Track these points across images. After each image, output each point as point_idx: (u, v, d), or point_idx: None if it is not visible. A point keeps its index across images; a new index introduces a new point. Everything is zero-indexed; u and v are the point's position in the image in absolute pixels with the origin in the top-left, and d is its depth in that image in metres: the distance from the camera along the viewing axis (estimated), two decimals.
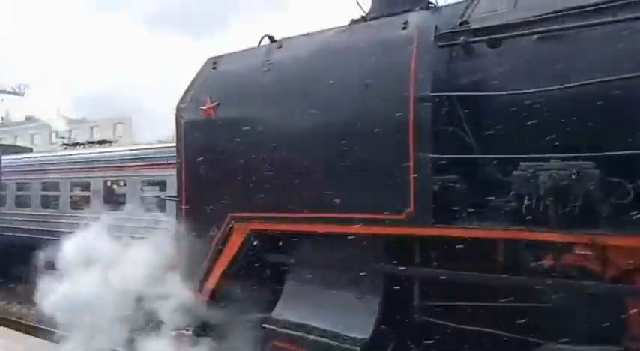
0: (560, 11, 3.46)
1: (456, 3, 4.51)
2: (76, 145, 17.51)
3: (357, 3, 4.99)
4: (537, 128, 3.46)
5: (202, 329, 5.09)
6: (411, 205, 3.55)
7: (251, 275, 4.67)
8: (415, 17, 3.74)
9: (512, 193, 3.32)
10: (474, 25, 3.89)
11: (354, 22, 4.91)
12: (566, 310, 3.37)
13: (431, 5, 4.50)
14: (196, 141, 4.93)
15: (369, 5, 4.89)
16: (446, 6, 4.52)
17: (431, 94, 3.49)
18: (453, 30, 3.91)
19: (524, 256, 3.46)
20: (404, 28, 3.71)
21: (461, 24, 3.98)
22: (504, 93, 3.48)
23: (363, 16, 4.98)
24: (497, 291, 3.50)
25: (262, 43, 5.05)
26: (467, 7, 4.16)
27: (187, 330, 5.46)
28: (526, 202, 3.21)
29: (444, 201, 3.59)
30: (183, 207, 5.05)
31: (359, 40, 4.01)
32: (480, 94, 3.60)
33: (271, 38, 5.06)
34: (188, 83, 5.14)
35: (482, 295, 3.48)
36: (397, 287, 3.81)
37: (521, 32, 3.52)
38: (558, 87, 3.22)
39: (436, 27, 3.90)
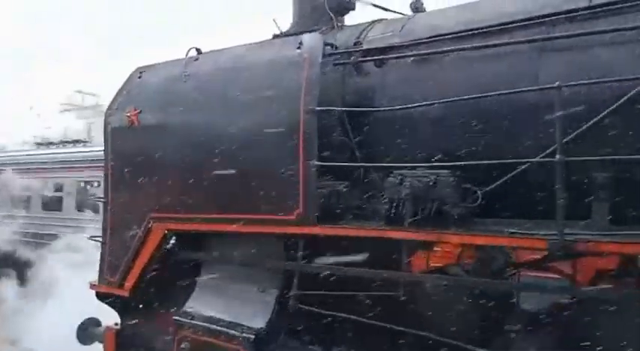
0: (429, 37, 3.93)
1: (359, 24, 4.98)
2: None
3: (274, 21, 5.43)
4: (410, 140, 3.93)
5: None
6: (300, 206, 3.96)
7: (169, 272, 5.03)
8: (309, 38, 4.17)
9: (384, 197, 3.77)
10: (365, 46, 4.35)
11: (275, 36, 5.35)
12: (436, 303, 3.81)
13: (338, 26, 4.97)
14: (121, 146, 5.26)
15: None
16: (351, 26, 4.98)
17: (317, 108, 3.91)
18: (345, 50, 4.37)
19: None
20: (298, 48, 4.13)
21: (355, 44, 4.43)
22: (374, 109, 3.95)
23: (281, 33, 5.43)
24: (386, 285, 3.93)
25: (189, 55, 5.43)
26: (364, 29, 4.63)
27: (116, 324, 5.78)
28: (393, 205, 3.66)
29: (331, 203, 4.03)
30: (109, 207, 5.37)
31: (263, 56, 4.42)
32: (357, 110, 4.04)
33: (198, 50, 5.44)
34: (117, 91, 5.48)
35: (363, 288, 3.91)
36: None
37: (397, 54, 3.99)
38: (417, 105, 3.68)
39: (332, 46, 4.37)
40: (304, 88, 3.97)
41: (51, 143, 15.94)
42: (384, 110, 3.88)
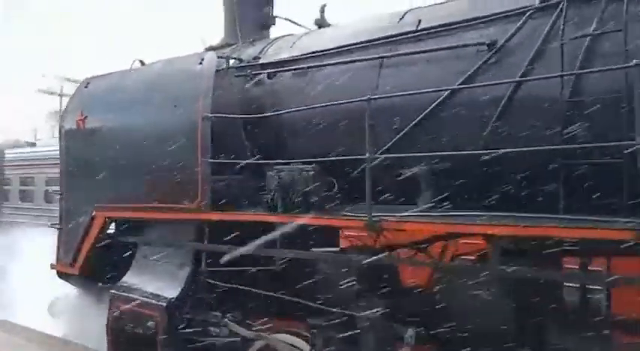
0: (306, 54, 4.70)
1: (267, 39, 5.75)
2: None
3: (200, 38, 6.23)
4: (288, 140, 4.71)
5: None
6: (199, 196, 4.77)
7: (111, 253, 5.89)
8: (209, 55, 4.96)
9: (266, 188, 4.56)
10: (262, 60, 5.13)
11: (207, 49, 6.14)
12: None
13: (249, 41, 5.74)
14: (72, 146, 6.12)
15: None
16: (262, 41, 5.75)
17: (210, 115, 4.70)
18: (245, 64, 5.15)
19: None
20: (200, 63, 4.92)
21: (254, 58, 5.21)
22: (249, 116, 4.73)
23: (210, 47, 6.22)
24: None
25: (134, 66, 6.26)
26: (267, 44, 5.40)
27: None
28: (270, 195, 4.44)
29: (229, 194, 4.83)
30: (64, 199, 6.25)
31: (176, 70, 5.22)
32: (240, 117, 4.84)
33: (142, 62, 6.27)
34: (69, 98, 6.35)
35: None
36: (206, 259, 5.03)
37: (277, 69, 4.77)
38: (293, 109, 4.46)
39: (238, 60, 5.16)
40: (201, 98, 4.77)
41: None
42: (250, 117, 4.70)
